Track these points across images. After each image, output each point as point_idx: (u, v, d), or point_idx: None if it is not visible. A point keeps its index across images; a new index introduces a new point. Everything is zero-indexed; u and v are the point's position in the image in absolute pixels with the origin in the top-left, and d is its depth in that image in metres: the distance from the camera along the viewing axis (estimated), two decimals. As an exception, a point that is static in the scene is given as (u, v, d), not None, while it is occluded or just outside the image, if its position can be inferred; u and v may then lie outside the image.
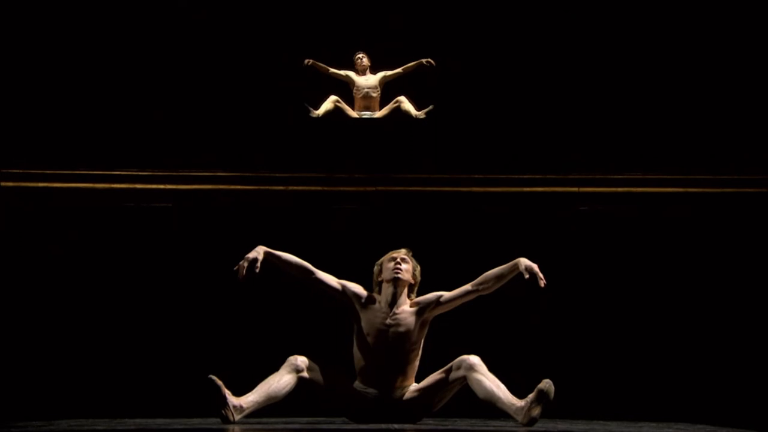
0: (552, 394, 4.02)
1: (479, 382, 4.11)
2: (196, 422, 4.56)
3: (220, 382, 4.03)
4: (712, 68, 6.92)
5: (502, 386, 4.13)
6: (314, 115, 7.13)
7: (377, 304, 4.31)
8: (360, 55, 7.77)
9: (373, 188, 5.93)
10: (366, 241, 5.80)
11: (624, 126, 6.38)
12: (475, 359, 4.16)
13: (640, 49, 7.19)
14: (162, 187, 5.87)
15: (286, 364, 4.21)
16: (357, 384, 4.33)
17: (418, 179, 5.96)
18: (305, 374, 4.19)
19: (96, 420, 4.76)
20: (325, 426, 4.29)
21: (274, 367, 4.19)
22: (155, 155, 6.00)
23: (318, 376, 4.22)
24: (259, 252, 4.19)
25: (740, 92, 6.64)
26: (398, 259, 4.33)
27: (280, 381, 4.15)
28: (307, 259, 5.84)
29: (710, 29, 7.09)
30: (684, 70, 6.98)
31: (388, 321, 4.26)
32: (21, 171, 5.84)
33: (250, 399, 4.09)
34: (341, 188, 5.91)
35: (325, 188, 5.91)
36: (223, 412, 4.01)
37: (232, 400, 4.04)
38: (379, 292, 4.35)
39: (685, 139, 6.24)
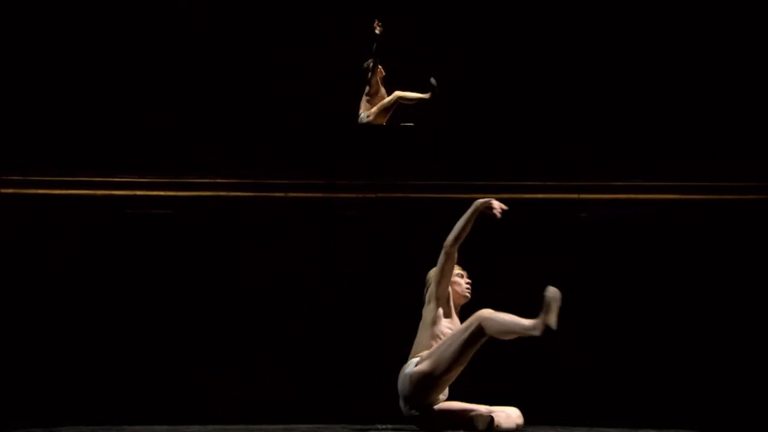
0: (558, 299, 4.02)
1: (494, 319, 4.17)
2: (195, 429, 4.58)
3: None
4: (715, 72, 6.89)
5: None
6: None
7: (448, 309, 4.56)
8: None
9: (373, 195, 5.92)
10: (366, 247, 5.81)
11: (625, 131, 6.34)
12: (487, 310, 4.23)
13: (643, 53, 7.17)
14: (162, 194, 5.86)
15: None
16: None
17: (419, 185, 5.94)
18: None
19: (96, 427, 4.78)
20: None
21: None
22: (155, 160, 5.98)
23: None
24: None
25: (745, 97, 6.60)
26: (467, 280, 4.67)
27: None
28: (307, 262, 5.90)
29: (712, 33, 7.07)
30: (687, 75, 6.96)
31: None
32: (20, 177, 5.83)
33: None
34: (341, 195, 5.90)
35: (325, 195, 5.90)
36: None
37: None
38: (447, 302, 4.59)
39: (687, 144, 6.20)
